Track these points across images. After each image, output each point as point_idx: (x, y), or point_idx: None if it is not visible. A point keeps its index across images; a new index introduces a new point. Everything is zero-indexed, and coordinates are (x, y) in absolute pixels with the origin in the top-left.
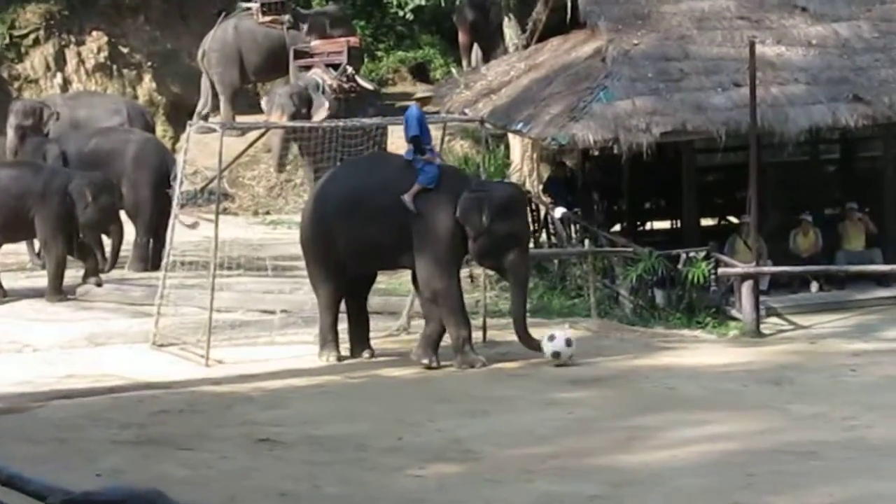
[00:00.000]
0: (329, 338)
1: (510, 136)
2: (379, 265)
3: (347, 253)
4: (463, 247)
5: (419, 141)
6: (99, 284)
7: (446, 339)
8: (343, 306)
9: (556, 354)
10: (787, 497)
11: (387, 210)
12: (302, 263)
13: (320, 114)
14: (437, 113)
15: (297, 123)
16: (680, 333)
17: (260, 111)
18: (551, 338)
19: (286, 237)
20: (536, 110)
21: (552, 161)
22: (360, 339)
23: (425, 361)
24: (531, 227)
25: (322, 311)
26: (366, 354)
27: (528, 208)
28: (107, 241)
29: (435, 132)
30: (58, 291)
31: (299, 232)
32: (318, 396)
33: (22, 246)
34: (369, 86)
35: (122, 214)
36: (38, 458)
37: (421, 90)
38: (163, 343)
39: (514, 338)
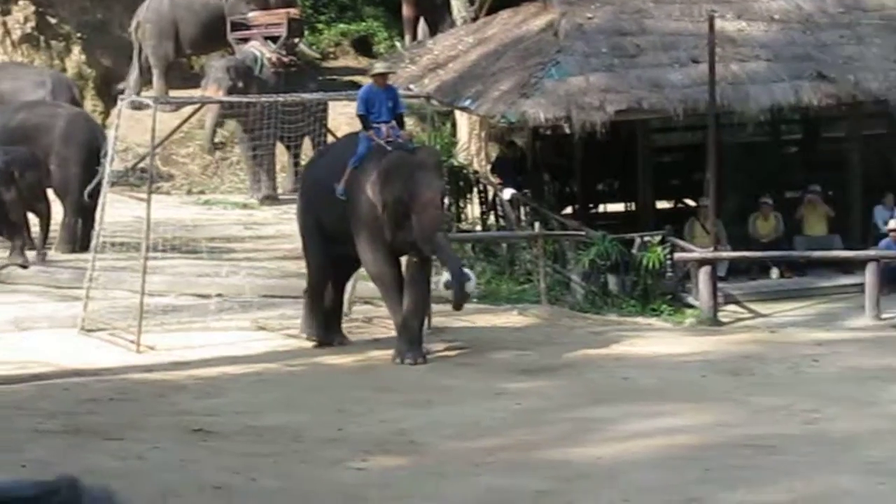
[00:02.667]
0: (310, 320)
1: (457, 113)
2: (341, 249)
3: (323, 232)
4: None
5: (362, 119)
6: (25, 265)
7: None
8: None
9: (446, 284)
10: (745, 492)
11: (332, 189)
12: (238, 245)
13: (210, 91)
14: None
15: (234, 98)
16: (634, 321)
17: (195, 86)
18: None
19: (222, 217)
20: (485, 86)
21: (501, 140)
22: (331, 324)
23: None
24: (444, 195)
25: (307, 291)
26: (335, 341)
27: (446, 177)
28: (34, 222)
29: None
30: None
31: None
32: (256, 385)
33: None
34: (314, 54)
35: (50, 193)
36: None
37: (379, 64)
38: (91, 328)
39: (461, 325)
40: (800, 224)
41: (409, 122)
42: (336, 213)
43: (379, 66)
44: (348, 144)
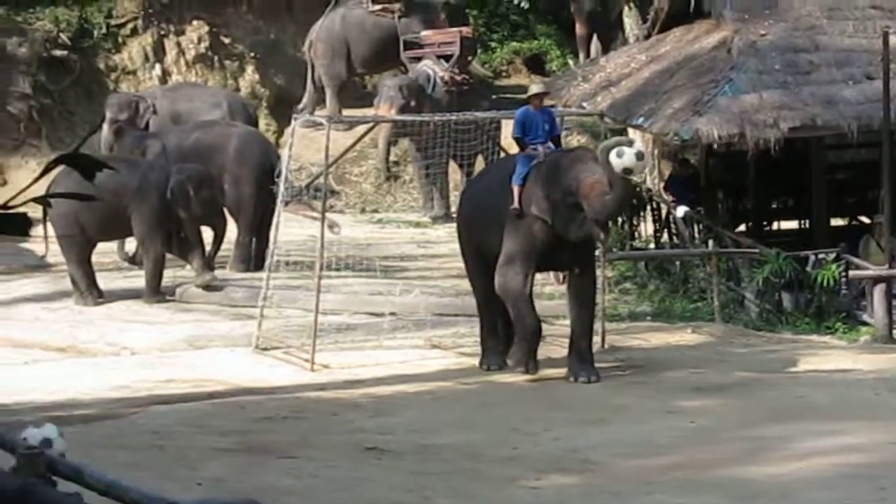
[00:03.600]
0: (485, 344)
1: (630, 131)
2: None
3: (484, 259)
4: (546, 241)
5: (518, 142)
6: (213, 276)
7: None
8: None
9: (627, 171)
10: None
11: (493, 211)
12: (411, 264)
13: (383, 110)
14: (554, 107)
15: (407, 117)
16: (808, 339)
17: (368, 104)
18: (619, 154)
19: (395, 236)
20: (658, 104)
21: (674, 157)
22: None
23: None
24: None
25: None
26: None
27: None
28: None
29: None
30: (156, 292)
31: None
32: (429, 403)
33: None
34: (487, 73)
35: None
36: (136, 466)
37: (535, 85)
38: (266, 346)
39: (635, 343)
40: None
41: (583, 140)
42: (495, 235)
43: (534, 88)
44: (505, 167)
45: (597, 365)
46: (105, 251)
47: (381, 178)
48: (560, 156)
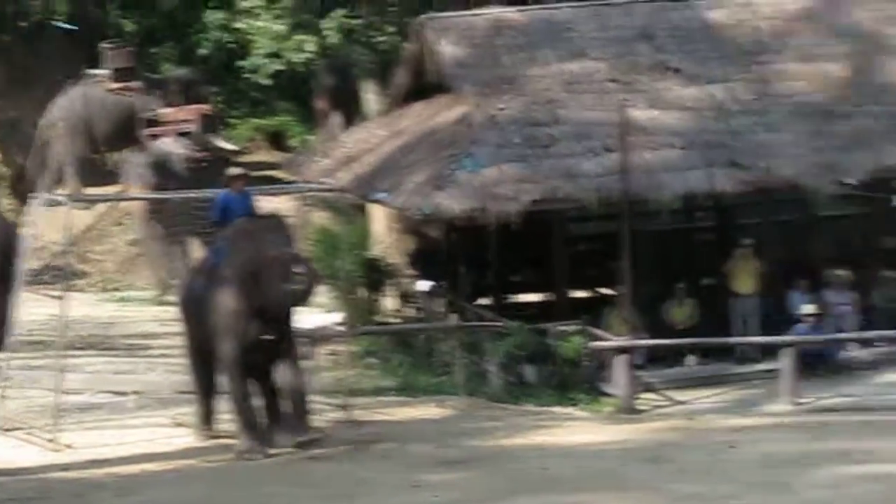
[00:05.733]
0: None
1: (373, 205)
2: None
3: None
4: (242, 310)
5: (218, 225)
6: None
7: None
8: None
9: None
10: None
11: (202, 299)
12: (154, 342)
13: (134, 189)
14: (295, 182)
15: (140, 196)
16: (552, 411)
17: (110, 182)
18: None
19: (138, 315)
20: (399, 179)
21: (417, 232)
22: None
23: None
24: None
25: None
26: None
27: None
28: None
29: (291, 202)
30: None
31: None
32: (175, 482)
33: None
34: (233, 147)
35: None
36: None
37: (234, 168)
38: (8, 427)
39: (379, 417)
40: (728, 280)
41: (324, 216)
42: (204, 315)
43: (233, 170)
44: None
45: (341, 439)
46: None
47: (121, 257)
48: (246, 222)
